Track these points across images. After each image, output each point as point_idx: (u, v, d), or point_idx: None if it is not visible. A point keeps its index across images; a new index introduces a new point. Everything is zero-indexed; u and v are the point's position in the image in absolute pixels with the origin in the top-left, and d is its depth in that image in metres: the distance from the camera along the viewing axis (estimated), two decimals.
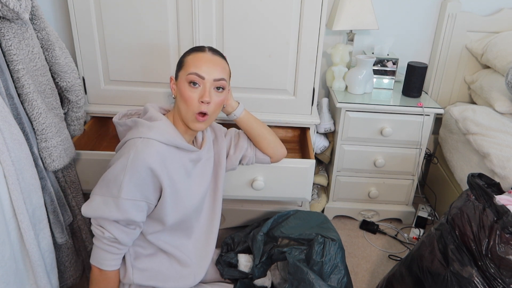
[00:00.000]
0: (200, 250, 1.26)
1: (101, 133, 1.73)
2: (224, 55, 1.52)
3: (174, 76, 1.17)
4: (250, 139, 1.39)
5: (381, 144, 1.83)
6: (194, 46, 1.17)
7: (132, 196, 1.02)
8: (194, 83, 1.09)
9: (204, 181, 1.23)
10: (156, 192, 1.08)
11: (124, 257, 1.16)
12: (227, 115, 1.32)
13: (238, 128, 1.41)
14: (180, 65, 1.13)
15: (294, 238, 1.36)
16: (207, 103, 1.09)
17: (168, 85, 1.60)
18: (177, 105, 1.13)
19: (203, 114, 1.11)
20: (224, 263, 1.37)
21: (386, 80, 1.92)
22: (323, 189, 2.07)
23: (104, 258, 1.08)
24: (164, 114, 1.19)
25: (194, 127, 1.12)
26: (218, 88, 1.12)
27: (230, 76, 1.19)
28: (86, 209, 1.05)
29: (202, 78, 1.08)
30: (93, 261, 1.09)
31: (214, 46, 1.51)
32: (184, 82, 1.10)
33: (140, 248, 1.17)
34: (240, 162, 1.38)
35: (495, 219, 1.14)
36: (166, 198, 1.08)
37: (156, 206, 1.10)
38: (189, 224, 1.22)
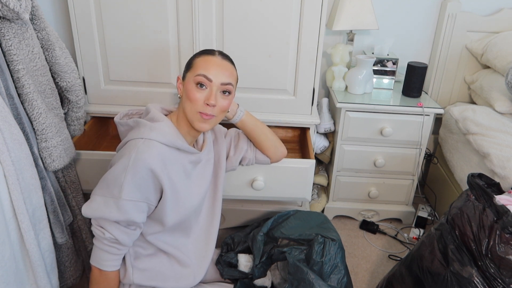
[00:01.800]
0: (199, 250, 1.26)
1: (101, 133, 1.73)
2: None
3: (181, 76, 1.18)
4: (251, 141, 1.38)
5: (381, 144, 1.83)
6: (205, 49, 1.18)
7: (133, 197, 1.02)
8: (201, 85, 1.09)
9: (203, 182, 1.23)
10: (157, 193, 1.08)
11: (124, 257, 1.16)
12: (228, 119, 1.32)
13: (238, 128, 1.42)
14: (189, 66, 1.14)
15: (294, 238, 1.36)
16: (213, 105, 1.09)
17: (169, 85, 1.60)
18: (182, 105, 1.13)
19: (209, 115, 1.11)
20: (224, 263, 1.37)
21: (386, 80, 1.92)
22: (323, 189, 2.07)
23: (104, 259, 1.08)
24: (166, 115, 1.19)
25: (198, 127, 1.12)
26: (224, 92, 1.12)
27: (237, 82, 1.20)
28: (86, 210, 1.04)
29: (210, 80, 1.09)
30: (93, 261, 1.09)
31: (214, 46, 1.52)
32: (192, 83, 1.10)
33: (140, 248, 1.17)
34: (240, 163, 1.38)
35: (495, 219, 1.15)
36: (167, 199, 1.08)
37: (156, 207, 1.10)
38: (188, 224, 1.22)
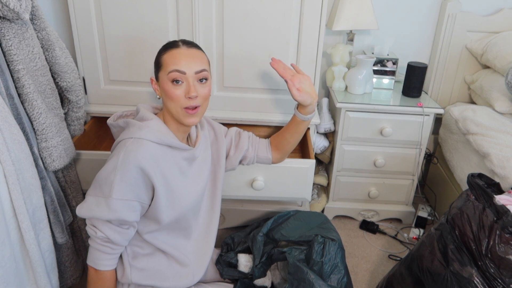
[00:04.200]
0: (199, 249, 1.26)
1: (101, 133, 1.73)
2: (224, 55, 1.53)
3: (154, 77, 1.16)
4: (280, 136, 1.39)
5: (381, 144, 1.83)
6: (166, 42, 1.15)
7: (124, 196, 1.02)
8: (177, 81, 1.08)
9: (200, 180, 1.23)
10: (149, 191, 1.08)
11: (121, 257, 1.16)
12: (304, 113, 1.33)
13: (239, 127, 1.42)
14: (158, 65, 1.12)
15: (294, 241, 1.36)
16: (195, 97, 1.09)
17: None
18: (165, 105, 1.13)
19: (193, 107, 1.10)
20: (224, 263, 1.37)
21: (386, 80, 1.92)
22: (323, 189, 2.07)
23: (99, 258, 1.09)
24: (157, 114, 1.19)
25: (187, 123, 1.11)
26: (201, 80, 1.11)
27: (209, 65, 1.17)
28: (80, 210, 1.06)
29: (183, 73, 1.07)
30: (89, 261, 1.10)
31: (214, 47, 1.52)
32: (167, 81, 1.09)
33: (138, 248, 1.17)
34: (240, 162, 1.38)
35: (495, 219, 1.15)
36: (160, 197, 1.08)
37: (150, 205, 1.11)
38: (187, 223, 1.22)
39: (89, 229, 1.07)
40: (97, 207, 1.03)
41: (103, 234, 1.05)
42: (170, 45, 1.12)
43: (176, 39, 1.50)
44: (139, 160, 1.02)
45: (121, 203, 1.02)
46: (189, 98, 1.08)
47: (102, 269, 1.10)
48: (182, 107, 1.09)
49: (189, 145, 1.23)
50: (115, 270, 1.15)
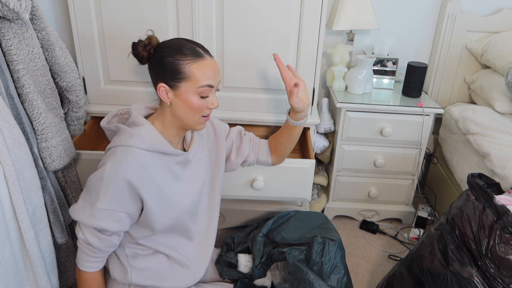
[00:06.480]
0: (198, 250, 1.26)
1: (101, 133, 1.73)
2: (224, 54, 1.53)
3: (163, 84, 1.06)
4: (276, 140, 1.39)
5: (381, 144, 1.83)
6: (186, 47, 1.07)
7: (108, 206, 1.02)
8: (206, 94, 1.08)
9: (195, 182, 1.21)
10: (137, 203, 1.06)
11: (121, 257, 1.16)
12: (295, 119, 1.32)
13: (241, 127, 1.42)
14: (180, 74, 1.04)
15: (295, 243, 1.36)
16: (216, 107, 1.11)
17: None
18: (173, 113, 1.09)
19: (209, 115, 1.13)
20: (224, 263, 1.37)
21: (386, 80, 1.92)
22: (323, 189, 2.07)
23: (81, 259, 1.10)
24: (152, 114, 1.17)
25: (201, 128, 1.14)
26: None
27: None
28: (71, 210, 1.07)
29: (213, 86, 1.09)
30: (76, 260, 1.12)
31: (214, 47, 1.52)
32: (194, 94, 1.06)
33: (138, 249, 1.17)
34: (240, 165, 1.39)
35: (495, 219, 1.15)
36: (151, 206, 1.07)
37: (141, 215, 1.10)
38: (185, 226, 1.21)
39: (76, 229, 1.09)
40: (83, 212, 1.04)
41: (83, 236, 1.06)
42: (195, 54, 1.05)
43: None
44: (126, 172, 1.00)
45: (105, 213, 1.02)
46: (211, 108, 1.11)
47: (84, 270, 1.11)
48: (201, 116, 1.10)
49: (183, 146, 1.23)
50: (101, 273, 1.15)
